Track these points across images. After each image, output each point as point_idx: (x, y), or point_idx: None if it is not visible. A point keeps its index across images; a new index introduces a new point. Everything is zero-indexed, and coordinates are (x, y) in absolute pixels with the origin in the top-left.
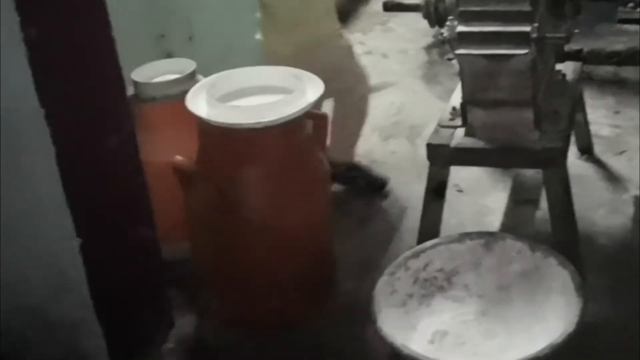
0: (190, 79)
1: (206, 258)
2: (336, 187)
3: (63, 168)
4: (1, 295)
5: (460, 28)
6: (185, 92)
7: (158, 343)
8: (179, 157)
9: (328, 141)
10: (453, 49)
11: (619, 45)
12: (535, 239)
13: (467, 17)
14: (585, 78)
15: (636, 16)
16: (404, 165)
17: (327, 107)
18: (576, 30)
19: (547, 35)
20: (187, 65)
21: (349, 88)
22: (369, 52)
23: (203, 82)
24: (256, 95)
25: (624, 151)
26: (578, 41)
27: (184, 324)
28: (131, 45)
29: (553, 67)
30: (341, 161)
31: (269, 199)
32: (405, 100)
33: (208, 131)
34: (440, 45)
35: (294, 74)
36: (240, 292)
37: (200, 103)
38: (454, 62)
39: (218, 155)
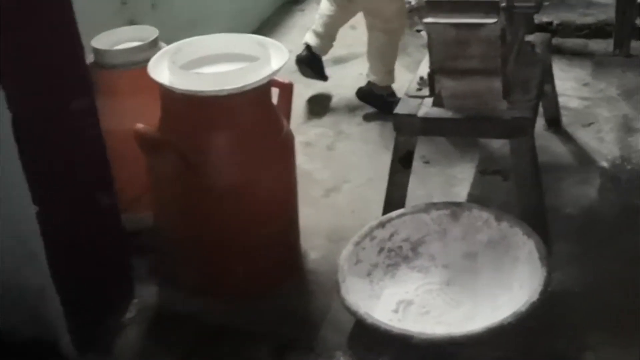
0: (152, 46)
1: (170, 226)
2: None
3: (21, 135)
4: None
5: None
6: (148, 59)
7: (119, 312)
8: (140, 125)
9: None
10: (421, 18)
11: (588, 17)
12: (502, 209)
13: None
14: (555, 50)
15: None
16: (372, 137)
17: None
18: (546, 2)
19: (517, 4)
20: (149, 32)
21: (386, 17)
22: None
23: (166, 49)
24: (221, 63)
25: (591, 123)
26: (548, 13)
27: (147, 293)
28: (92, 13)
29: (523, 38)
30: (382, 85)
31: (233, 166)
32: None
33: (171, 99)
34: (409, 17)
35: (259, 41)
36: (205, 261)
37: (162, 70)
38: (423, 33)
39: (181, 122)
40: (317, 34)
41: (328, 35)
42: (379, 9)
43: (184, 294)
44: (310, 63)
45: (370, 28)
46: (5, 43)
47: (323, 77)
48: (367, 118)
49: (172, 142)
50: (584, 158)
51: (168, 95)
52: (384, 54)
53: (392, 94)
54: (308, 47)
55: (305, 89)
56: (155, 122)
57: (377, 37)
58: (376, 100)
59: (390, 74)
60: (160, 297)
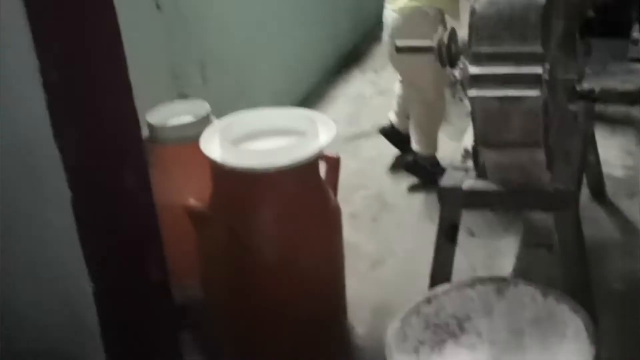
0: (204, 121)
1: (218, 300)
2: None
3: (77, 211)
4: (18, 337)
5: (472, 70)
6: (199, 134)
7: None
8: (192, 200)
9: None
10: (465, 90)
11: (630, 84)
12: (547, 284)
13: (479, 59)
14: (596, 118)
15: None
16: (417, 208)
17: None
18: (588, 70)
19: (559, 76)
20: (200, 106)
21: (422, 87)
22: (381, 93)
23: (217, 124)
24: (269, 138)
25: (636, 193)
26: (589, 80)
27: None
28: (144, 86)
29: (565, 107)
30: (425, 154)
31: (281, 241)
32: None
33: (221, 174)
34: (452, 86)
35: (307, 115)
36: (252, 335)
37: (213, 145)
38: (465, 102)
39: (231, 197)
40: (395, 112)
41: (402, 112)
42: (413, 79)
43: None
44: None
45: (409, 99)
46: (67, 124)
47: (403, 149)
48: (412, 188)
49: (221, 218)
50: (629, 230)
51: (218, 171)
52: (422, 124)
53: (436, 163)
54: (391, 123)
55: (348, 159)
56: (206, 196)
57: (416, 108)
58: (420, 171)
59: (431, 144)
60: None
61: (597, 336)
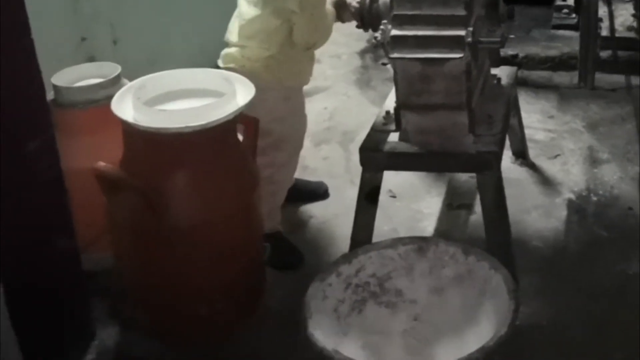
0: (114, 83)
1: (130, 267)
2: None
3: None
4: None
5: (394, 32)
6: (109, 96)
7: (79, 354)
8: (101, 163)
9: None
10: (387, 53)
11: (553, 50)
12: (469, 243)
13: (401, 21)
14: (520, 83)
15: (570, 22)
16: (337, 171)
17: None
18: (511, 36)
19: (482, 39)
20: (111, 69)
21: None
22: None
23: (129, 85)
24: (186, 99)
25: (557, 155)
26: (513, 46)
27: (107, 335)
28: (51, 49)
29: (488, 72)
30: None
31: (197, 205)
32: (338, 105)
33: (133, 136)
34: (374, 50)
35: (225, 76)
36: (166, 302)
37: (126, 107)
38: (388, 66)
39: (145, 160)
40: None
41: None
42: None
43: (144, 336)
44: None
45: None
46: None
47: None
48: (332, 152)
49: (134, 182)
50: (550, 190)
51: (131, 133)
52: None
53: (280, 238)
54: None
55: None
56: (116, 161)
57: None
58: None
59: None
60: (121, 339)
61: (516, 292)
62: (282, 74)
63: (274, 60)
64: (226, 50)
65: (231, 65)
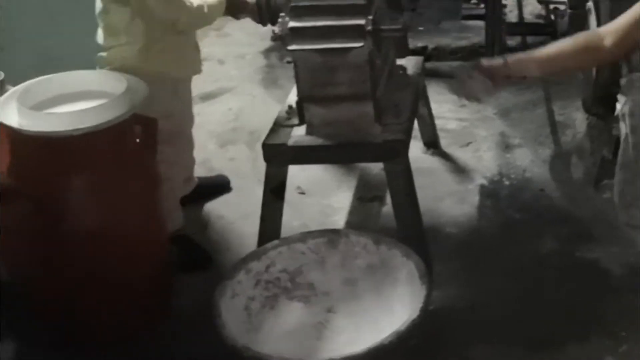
0: None
1: (29, 278)
2: None
3: None
4: None
5: (292, 24)
6: None
7: None
8: None
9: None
10: (286, 45)
11: (463, 41)
12: (381, 234)
13: (299, 13)
14: (431, 74)
15: (479, 12)
16: (244, 171)
17: None
18: (420, 28)
19: (383, 27)
20: None
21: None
22: (204, 59)
23: (13, 90)
24: (76, 102)
25: (469, 143)
26: (424, 38)
27: (5, 350)
28: None
29: (393, 62)
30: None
31: (95, 210)
32: (244, 105)
33: (21, 142)
34: (279, 49)
35: (116, 77)
36: (70, 309)
37: (10, 112)
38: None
39: (34, 166)
40: None
41: None
42: None
43: (45, 349)
44: None
45: None
46: None
47: None
48: (238, 153)
49: (23, 190)
50: (462, 177)
51: (17, 139)
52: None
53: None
54: None
55: None
56: (3, 170)
57: None
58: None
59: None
60: (21, 353)
61: (428, 278)
62: (164, 66)
63: (148, 52)
64: (99, 54)
65: (107, 68)
